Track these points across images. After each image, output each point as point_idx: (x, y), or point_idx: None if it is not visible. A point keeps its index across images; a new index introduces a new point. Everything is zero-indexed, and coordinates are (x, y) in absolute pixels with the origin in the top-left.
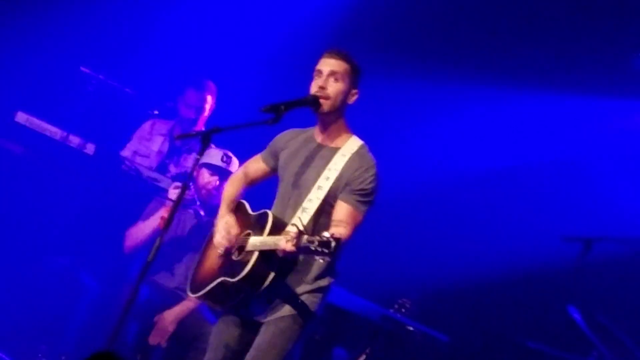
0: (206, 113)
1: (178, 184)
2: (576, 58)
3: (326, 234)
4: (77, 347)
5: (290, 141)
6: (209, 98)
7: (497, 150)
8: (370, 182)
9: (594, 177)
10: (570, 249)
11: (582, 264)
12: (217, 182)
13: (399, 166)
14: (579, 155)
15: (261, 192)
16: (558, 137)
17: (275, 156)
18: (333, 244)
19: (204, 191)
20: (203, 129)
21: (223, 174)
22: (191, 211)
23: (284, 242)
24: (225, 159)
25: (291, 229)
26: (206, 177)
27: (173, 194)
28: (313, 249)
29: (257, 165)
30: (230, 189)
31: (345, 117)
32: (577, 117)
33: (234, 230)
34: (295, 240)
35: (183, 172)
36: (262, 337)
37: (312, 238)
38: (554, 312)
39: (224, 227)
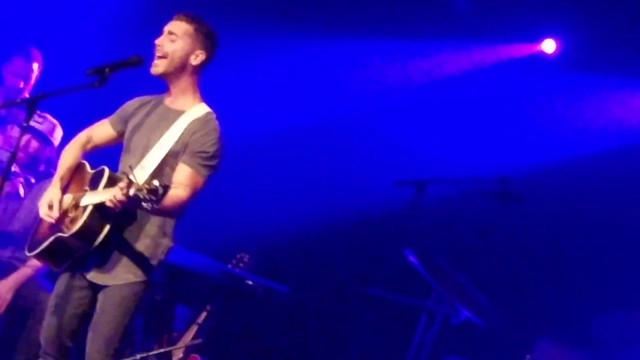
0: (32, 82)
1: None
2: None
3: (155, 182)
4: None
5: (140, 107)
6: (36, 67)
7: (330, 99)
8: (211, 146)
9: (423, 122)
10: (403, 193)
11: (415, 207)
12: (37, 145)
13: (234, 118)
14: (408, 101)
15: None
16: (385, 82)
17: (125, 121)
18: (161, 190)
19: (21, 154)
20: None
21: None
22: (22, 179)
23: (116, 192)
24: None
25: (123, 182)
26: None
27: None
28: (142, 197)
29: (104, 129)
30: (68, 156)
31: (195, 81)
32: (402, 59)
33: (56, 208)
34: (125, 189)
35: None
36: (102, 306)
37: (141, 186)
38: (391, 257)
39: (47, 202)
